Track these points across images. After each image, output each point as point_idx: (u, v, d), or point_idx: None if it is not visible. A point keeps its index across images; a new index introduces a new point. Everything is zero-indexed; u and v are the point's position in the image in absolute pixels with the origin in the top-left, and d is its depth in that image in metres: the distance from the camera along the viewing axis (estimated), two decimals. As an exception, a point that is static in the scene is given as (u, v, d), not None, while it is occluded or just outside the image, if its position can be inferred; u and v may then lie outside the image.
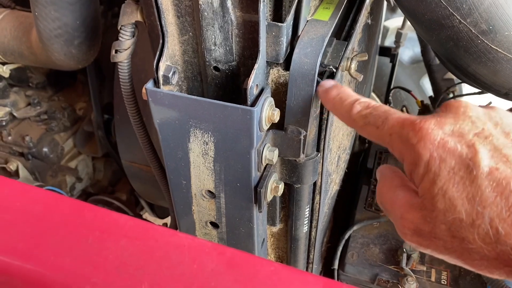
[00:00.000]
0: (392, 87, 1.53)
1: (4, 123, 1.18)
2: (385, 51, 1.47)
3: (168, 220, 1.83)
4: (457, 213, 0.35)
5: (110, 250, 0.48)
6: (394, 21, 1.94)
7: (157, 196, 1.10)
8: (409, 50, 1.96)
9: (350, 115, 0.46)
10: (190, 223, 0.74)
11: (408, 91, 1.47)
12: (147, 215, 1.69)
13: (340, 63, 0.60)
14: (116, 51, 0.61)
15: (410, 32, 1.41)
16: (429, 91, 1.46)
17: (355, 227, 1.03)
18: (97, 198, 1.33)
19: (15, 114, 1.19)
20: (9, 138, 1.17)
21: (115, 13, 1.25)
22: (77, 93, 1.32)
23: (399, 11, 1.44)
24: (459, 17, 0.50)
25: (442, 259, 0.39)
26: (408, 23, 1.42)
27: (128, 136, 0.87)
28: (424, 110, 1.34)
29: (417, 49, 1.65)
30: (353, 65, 0.63)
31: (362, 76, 0.63)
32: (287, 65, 0.58)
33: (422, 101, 1.38)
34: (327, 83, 0.53)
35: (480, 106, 0.41)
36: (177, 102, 0.56)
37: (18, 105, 1.24)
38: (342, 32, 0.67)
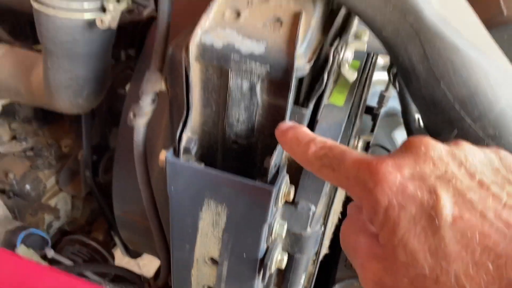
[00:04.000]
0: (371, 144, 1.59)
1: (-14, 157, 1.15)
2: (368, 110, 1.53)
3: (140, 260, 1.79)
4: (420, 268, 0.32)
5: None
6: (377, 74, 2.02)
7: (145, 248, 1.09)
8: (384, 104, 2.05)
9: (305, 156, 0.42)
10: (186, 284, 0.74)
11: (388, 150, 1.53)
12: (119, 252, 1.65)
13: (348, 142, 0.63)
14: (134, 115, 0.62)
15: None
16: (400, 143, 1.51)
17: (336, 286, 1.04)
18: (74, 237, 1.29)
19: (-1, 149, 1.17)
20: (-9, 173, 1.14)
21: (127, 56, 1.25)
22: (63, 130, 1.30)
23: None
24: (469, 121, 0.54)
25: None
26: (391, 85, 1.49)
27: (125, 189, 0.87)
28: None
29: (391, 103, 1.72)
30: (360, 144, 0.67)
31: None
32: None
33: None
34: (284, 125, 0.49)
35: (443, 144, 0.37)
36: (195, 174, 0.57)
37: (1, 139, 1.21)
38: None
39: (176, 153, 0.59)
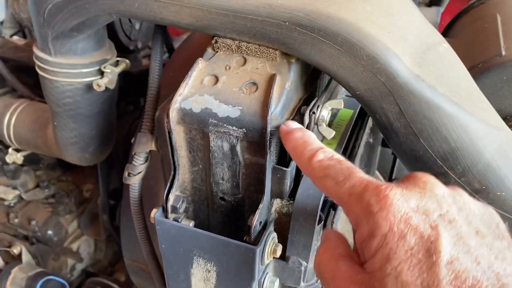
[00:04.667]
0: (394, 177, 1.56)
1: (12, 205, 1.21)
2: (386, 143, 1.51)
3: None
4: None
5: None
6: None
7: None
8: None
9: (310, 162, 0.41)
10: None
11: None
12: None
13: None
14: (129, 174, 0.64)
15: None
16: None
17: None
18: (96, 280, 1.33)
19: (23, 196, 1.22)
20: (16, 220, 1.19)
21: (129, 102, 1.31)
22: (85, 174, 1.35)
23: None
24: (454, 176, 0.53)
25: None
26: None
27: (132, 238, 0.89)
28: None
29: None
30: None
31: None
32: (290, 194, 0.61)
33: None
34: (293, 123, 0.49)
35: (445, 186, 0.38)
36: (183, 233, 0.59)
37: (27, 186, 1.27)
38: (344, 156, 0.71)
39: (165, 212, 0.60)
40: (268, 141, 0.51)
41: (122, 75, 1.21)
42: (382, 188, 0.35)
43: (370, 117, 0.80)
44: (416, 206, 0.35)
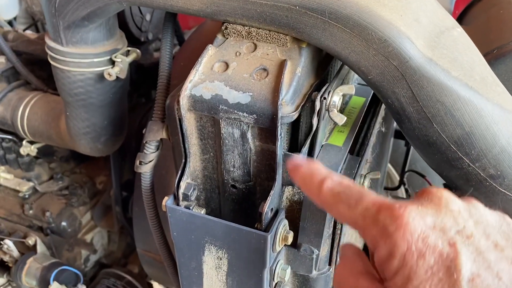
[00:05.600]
0: (407, 169, 1.54)
1: (27, 196, 1.22)
2: (400, 134, 1.49)
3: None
4: None
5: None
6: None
7: (169, 283, 1.11)
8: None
9: (320, 191, 0.41)
10: (200, 325, 0.75)
11: (423, 176, 1.48)
12: (156, 284, 1.68)
13: (354, 180, 0.62)
14: (140, 162, 0.65)
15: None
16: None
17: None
18: (109, 271, 1.34)
19: (38, 188, 1.24)
20: (30, 212, 1.21)
21: (140, 94, 1.31)
22: (98, 166, 1.36)
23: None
24: (468, 161, 0.52)
25: None
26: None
27: (145, 228, 0.90)
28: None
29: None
30: (366, 183, 0.65)
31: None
32: (302, 183, 0.60)
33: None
34: (298, 157, 0.49)
35: (460, 199, 0.37)
36: (194, 220, 0.59)
37: (41, 178, 1.28)
38: (356, 144, 0.70)
39: (176, 199, 0.61)
40: (279, 127, 0.51)
41: (134, 67, 1.22)
42: (396, 207, 0.35)
43: (382, 106, 0.79)
44: (433, 224, 0.34)
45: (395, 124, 1.42)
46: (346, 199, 0.39)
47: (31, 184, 1.24)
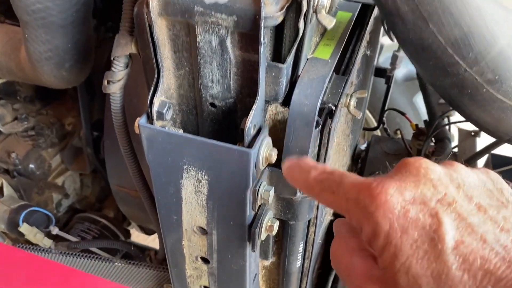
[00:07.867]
0: (386, 108, 1.52)
1: (-11, 138, 1.15)
2: (380, 72, 1.44)
3: (155, 237, 1.80)
4: None
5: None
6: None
7: (146, 220, 1.08)
8: (403, 67, 1.95)
9: (306, 182, 0.43)
10: (180, 257, 0.72)
11: (403, 114, 1.46)
12: (134, 231, 1.66)
13: (339, 100, 0.59)
14: (109, 82, 0.59)
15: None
16: (422, 109, 1.44)
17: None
18: (84, 215, 1.30)
19: (1, 129, 1.16)
20: (-6, 154, 1.14)
21: (108, 27, 1.22)
22: (66, 107, 1.29)
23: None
24: (465, 66, 0.48)
25: None
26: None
27: (118, 161, 0.85)
28: (419, 134, 1.33)
29: (411, 67, 1.63)
30: (352, 102, 0.62)
31: (361, 113, 0.62)
32: (285, 101, 0.56)
33: (416, 125, 1.36)
34: (290, 159, 0.49)
35: (440, 164, 0.37)
36: (170, 140, 0.54)
37: (4, 119, 1.21)
38: (341, 65, 0.66)
39: (150, 119, 0.56)
40: (262, 29, 0.46)
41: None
42: (374, 186, 0.35)
43: (368, 28, 0.74)
44: (412, 198, 0.34)
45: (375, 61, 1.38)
46: (329, 186, 0.40)
47: (-7, 125, 1.16)
